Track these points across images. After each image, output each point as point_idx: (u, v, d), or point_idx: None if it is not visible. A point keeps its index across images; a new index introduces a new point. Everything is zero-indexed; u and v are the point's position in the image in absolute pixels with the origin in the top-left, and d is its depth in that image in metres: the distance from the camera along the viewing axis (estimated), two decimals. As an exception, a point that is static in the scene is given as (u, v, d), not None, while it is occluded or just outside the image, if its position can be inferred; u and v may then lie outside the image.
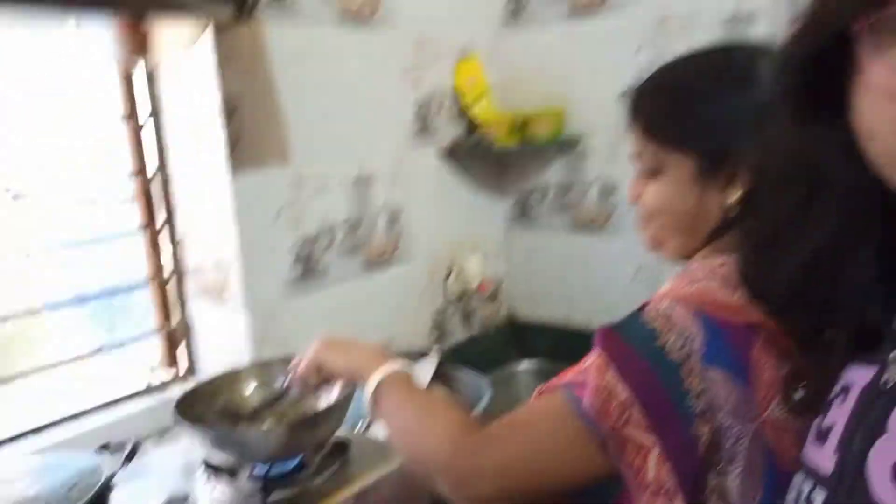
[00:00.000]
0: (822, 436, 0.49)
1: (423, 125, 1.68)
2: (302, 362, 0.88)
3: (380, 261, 1.61)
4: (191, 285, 1.43)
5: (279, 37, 1.31)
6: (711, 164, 0.70)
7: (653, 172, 0.75)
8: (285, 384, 0.94)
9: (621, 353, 0.65)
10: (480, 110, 1.74)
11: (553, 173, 1.80)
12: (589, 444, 0.66)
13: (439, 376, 1.47)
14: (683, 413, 0.62)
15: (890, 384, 0.46)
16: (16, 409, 1.23)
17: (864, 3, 0.41)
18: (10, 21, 0.95)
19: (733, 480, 0.63)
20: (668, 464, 0.63)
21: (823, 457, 0.48)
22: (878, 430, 0.44)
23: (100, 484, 0.90)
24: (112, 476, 0.93)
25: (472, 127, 1.75)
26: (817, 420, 0.50)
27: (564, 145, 1.75)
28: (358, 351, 0.85)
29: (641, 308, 0.67)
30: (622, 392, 0.64)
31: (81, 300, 1.34)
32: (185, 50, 1.22)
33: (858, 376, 0.49)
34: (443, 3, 1.69)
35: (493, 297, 1.93)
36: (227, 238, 1.35)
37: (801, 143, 0.50)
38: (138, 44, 1.09)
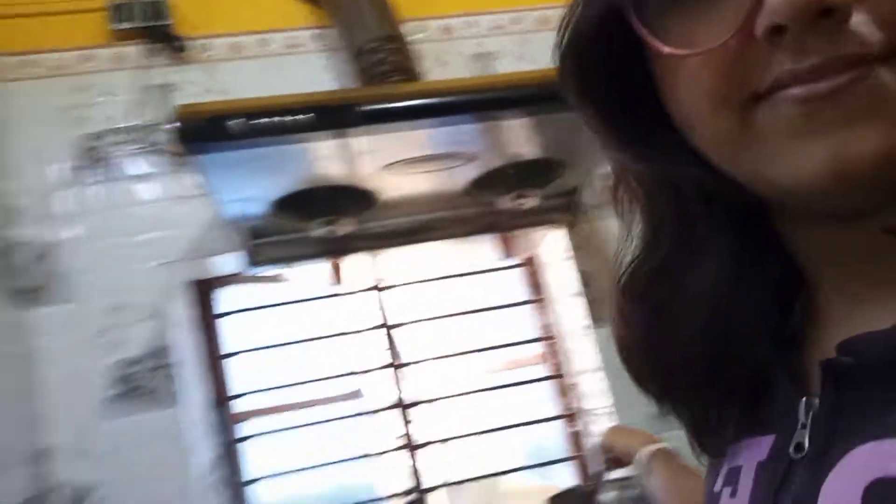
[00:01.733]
0: None
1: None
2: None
3: None
4: (588, 422, 1.86)
5: (613, 226, 1.81)
6: None
7: None
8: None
9: None
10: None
11: None
12: None
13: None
14: None
15: (805, 448, 0.35)
16: None
17: None
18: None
19: None
20: None
21: None
22: None
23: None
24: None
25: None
26: None
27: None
28: (631, 433, 1.12)
29: None
30: None
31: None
32: (546, 245, 1.82)
33: (745, 455, 0.39)
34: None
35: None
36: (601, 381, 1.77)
37: (648, 169, 0.41)
38: (513, 248, 1.73)
